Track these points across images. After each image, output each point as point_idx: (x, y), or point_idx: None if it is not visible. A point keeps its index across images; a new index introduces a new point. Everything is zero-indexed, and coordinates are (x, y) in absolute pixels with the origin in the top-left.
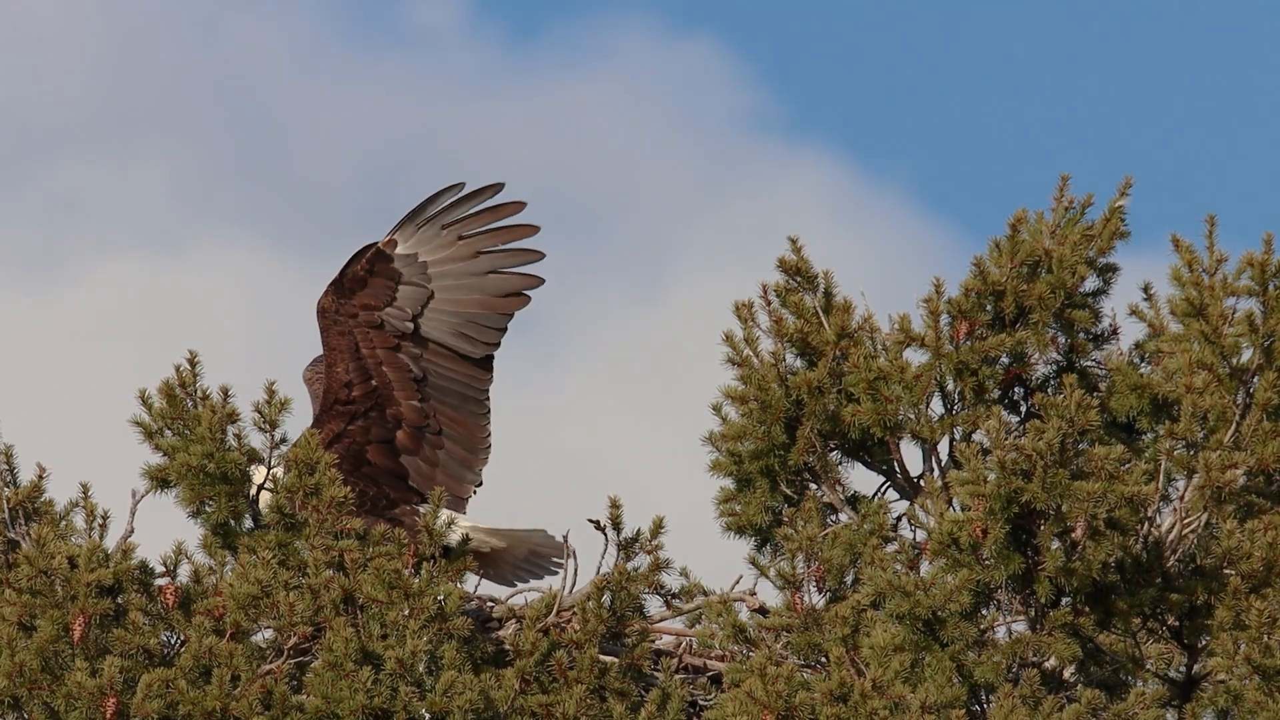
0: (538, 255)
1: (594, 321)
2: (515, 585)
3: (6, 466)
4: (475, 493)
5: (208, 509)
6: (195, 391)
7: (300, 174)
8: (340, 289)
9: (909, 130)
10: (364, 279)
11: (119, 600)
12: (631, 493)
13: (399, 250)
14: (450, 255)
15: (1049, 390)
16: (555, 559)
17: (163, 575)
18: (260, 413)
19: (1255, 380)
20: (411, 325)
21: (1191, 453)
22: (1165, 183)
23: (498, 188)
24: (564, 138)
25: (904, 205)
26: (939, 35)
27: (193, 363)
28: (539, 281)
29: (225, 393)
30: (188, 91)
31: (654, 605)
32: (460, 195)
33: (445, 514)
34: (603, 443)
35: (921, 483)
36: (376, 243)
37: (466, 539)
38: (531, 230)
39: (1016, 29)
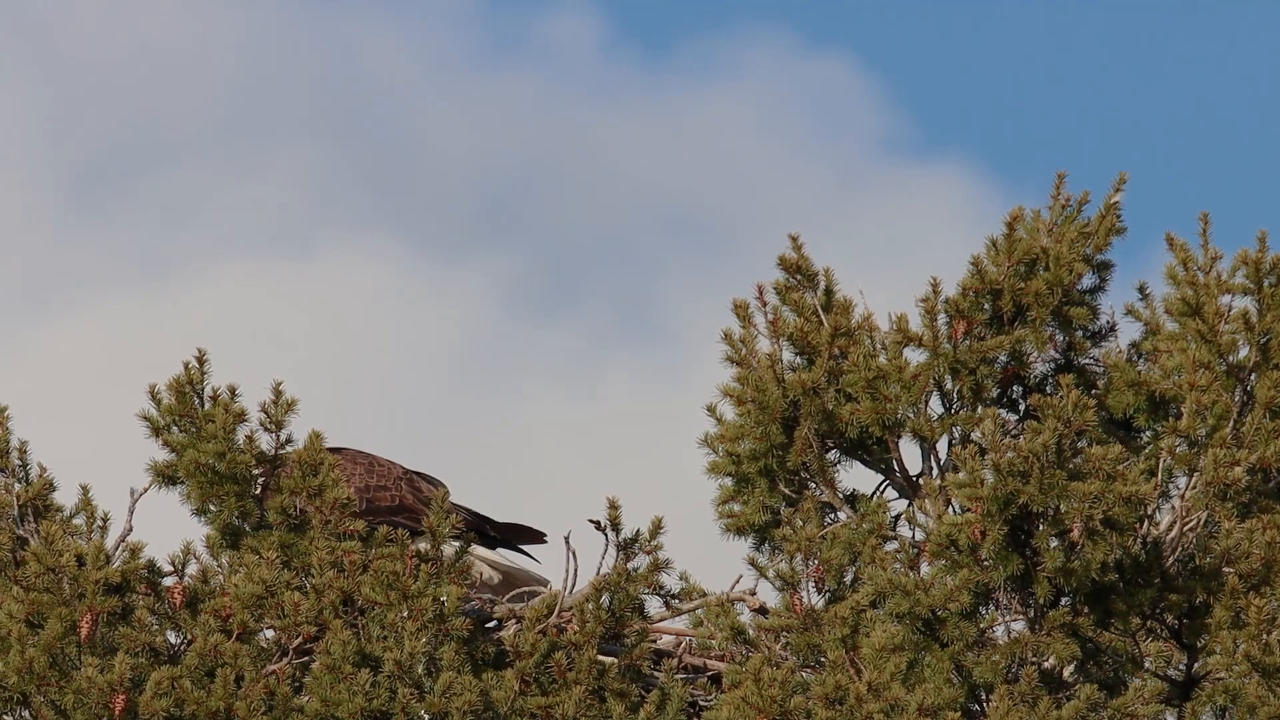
0: None
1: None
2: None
3: (20, 464)
4: None
5: (213, 508)
6: (202, 389)
7: (431, 184)
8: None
9: (1046, 148)
10: None
11: (125, 599)
12: None
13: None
14: None
15: (1047, 389)
16: (538, 587)
17: (170, 574)
18: (266, 413)
19: (1252, 377)
20: None
21: (1194, 450)
22: (1163, 183)
23: None
24: (695, 154)
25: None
26: (1071, 51)
27: (201, 361)
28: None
29: (233, 392)
30: (323, 102)
31: (654, 605)
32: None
33: (454, 546)
34: None
35: (920, 482)
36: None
37: (466, 550)
38: None
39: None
